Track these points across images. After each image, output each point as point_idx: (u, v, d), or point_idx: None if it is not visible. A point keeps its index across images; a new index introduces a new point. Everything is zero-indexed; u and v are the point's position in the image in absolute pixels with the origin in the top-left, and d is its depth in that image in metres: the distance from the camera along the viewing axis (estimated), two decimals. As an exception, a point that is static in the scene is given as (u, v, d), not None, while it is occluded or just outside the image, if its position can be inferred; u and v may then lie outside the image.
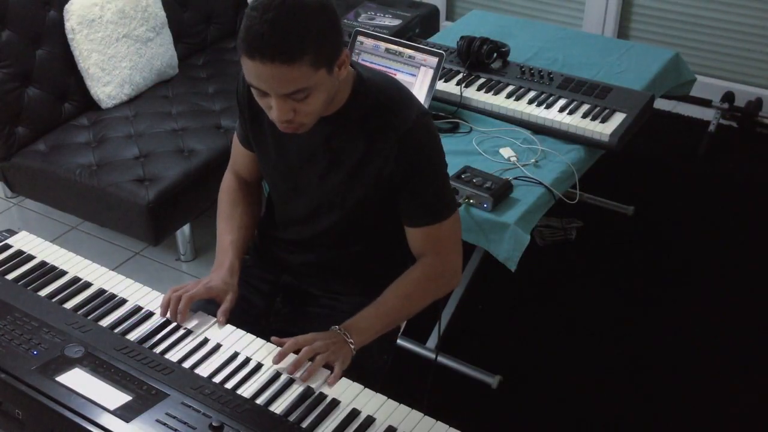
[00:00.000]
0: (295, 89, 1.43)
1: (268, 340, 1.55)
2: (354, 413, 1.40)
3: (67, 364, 1.42)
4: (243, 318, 1.74)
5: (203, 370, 1.46)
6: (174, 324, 1.57)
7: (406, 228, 1.67)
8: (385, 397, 1.44)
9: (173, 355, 1.49)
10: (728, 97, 3.62)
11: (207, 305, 1.70)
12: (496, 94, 2.52)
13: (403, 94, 1.62)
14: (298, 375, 1.47)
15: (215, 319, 1.59)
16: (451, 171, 2.14)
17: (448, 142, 2.34)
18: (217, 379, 1.44)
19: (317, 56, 1.41)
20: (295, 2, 1.38)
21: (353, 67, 1.60)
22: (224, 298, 1.65)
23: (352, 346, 1.56)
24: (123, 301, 1.62)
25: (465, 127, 2.44)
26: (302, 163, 1.67)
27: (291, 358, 1.50)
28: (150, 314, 1.59)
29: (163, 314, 1.60)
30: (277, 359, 1.50)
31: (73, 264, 1.72)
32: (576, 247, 2.98)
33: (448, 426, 1.38)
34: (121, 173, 2.67)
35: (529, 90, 2.54)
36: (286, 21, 1.37)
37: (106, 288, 1.65)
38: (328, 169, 1.64)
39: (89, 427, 1.31)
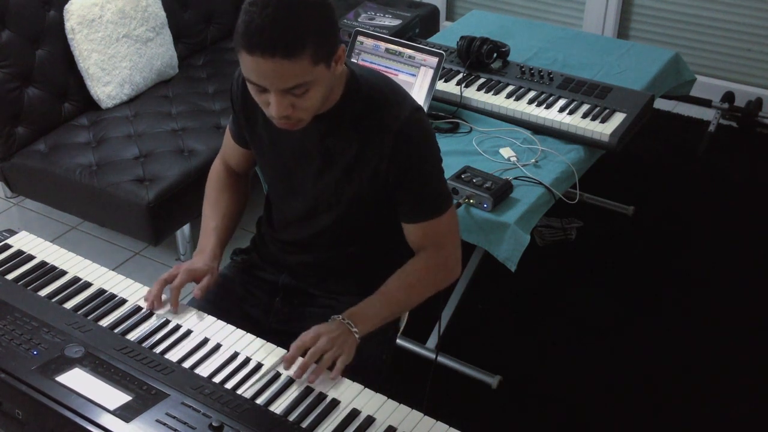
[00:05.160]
0: (295, 84, 1.42)
1: (268, 340, 1.55)
2: (354, 413, 1.40)
3: (67, 364, 1.42)
4: (243, 318, 1.74)
5: (203, 370, 1.46)
6: (174, 324, 1.57)
7: (403, 224, 1.67)
8: (385, 397, 1.44)
9: (173, 355, 1.49)
10: (728, 97, 3.62)
11: (206, 305, 1.71)
12: (496, 94, 2.52)
13: (395, 90, 1.62)
14: (304, 377, 1.46)
15: (215, 319, 1.59)
16: (451, 171, 2.15)
17: (448, 142, 2.34)
18: (217, 379, 1.44)
19: (317, 51, 1.41)
20: None
21: (345, 65, 1.60)
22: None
23: (357, 336, 1.55)
24: (123, 301, 1.62)
25: (465, 127, 2.44)
26: (297, 162, 1.67)
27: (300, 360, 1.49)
28: (150, 314, 1.59)
29: (151, 305, 1.60)
30: (287, 366, 1.48)
31: (73, 264, 1.72)
32: (576, 247, 2.98)
33: (448, 426, 1.38)
34: (121, 173, 2.67)
35: (529, 90, 2.54)
36: (286, 15, 1.37)
37: (106, 288, 1.65)
38: (323, 168, 1.64)
39: (89, 427, 1.31)
